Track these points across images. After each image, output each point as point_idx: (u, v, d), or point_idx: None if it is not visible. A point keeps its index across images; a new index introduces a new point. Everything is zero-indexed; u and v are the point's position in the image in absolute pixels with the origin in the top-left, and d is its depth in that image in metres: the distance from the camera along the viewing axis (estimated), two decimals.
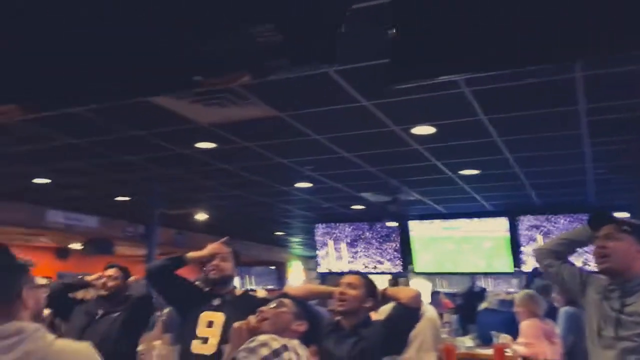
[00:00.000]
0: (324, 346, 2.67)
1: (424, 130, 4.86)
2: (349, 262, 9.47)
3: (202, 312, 3.05)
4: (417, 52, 1.59)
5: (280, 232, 12.45)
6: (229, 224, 10.90)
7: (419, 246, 8.98)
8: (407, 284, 5.11)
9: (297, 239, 13.67)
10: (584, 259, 6.50)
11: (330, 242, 9.60)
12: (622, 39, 1.38)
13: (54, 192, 7.80)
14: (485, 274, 11.82)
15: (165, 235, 11.25)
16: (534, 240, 8.19)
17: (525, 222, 8.32)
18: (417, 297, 2.72)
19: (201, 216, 9.88)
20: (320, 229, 9.69)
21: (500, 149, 5.38)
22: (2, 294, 1.50)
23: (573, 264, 2.79)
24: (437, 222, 8.95)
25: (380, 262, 9.25)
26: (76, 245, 11.33)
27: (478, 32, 1.51)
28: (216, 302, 3.11)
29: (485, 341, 6.48)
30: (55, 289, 3.80)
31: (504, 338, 5.50)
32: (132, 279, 3.73)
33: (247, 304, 2.88)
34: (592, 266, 2.86)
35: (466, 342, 6.46)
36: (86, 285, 3.79)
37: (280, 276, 15.39)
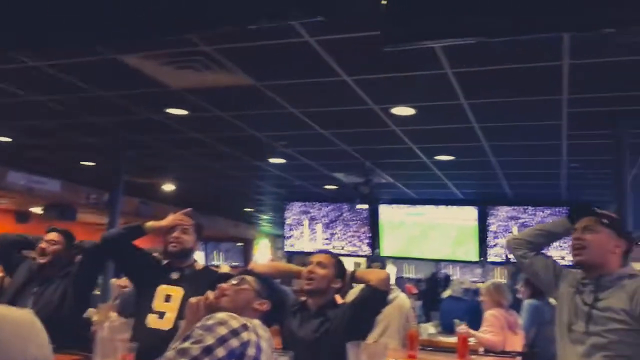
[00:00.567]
0: (287, 326, 2.56)
1: (403, 111, 4.75)
2: (315, 242, 9.39)
3: (159, 285, 2.92)
4: (412, 14, 1.46)
5: (250, 208, 12.29)
6: (197, 197, 10.70)
7: (386, 230, 8.94)
8: (382, 267, 4.96)
9: (266, 217, 13.54)
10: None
11: (305, 222, 9.49)
12: (609, 14, 1.28)
13: (15, 152, 7.49)
14: (452, 262, 11.89)
15: (130, 205, 10.98)
16: (508, 231, 8.21)
17: (498, 212, 8.33)
18: (387, 279, 2.64)
19: (168, 187, 9.65)
20: (295, 207, 9.56)
21: (478, 135, 5.32)
22: None
23: (548, 256, 2.73)
24: (404, 207, 8.91)
25: (349, 245, 9.19)
26: (37, 210, 10.99)
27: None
28: (175, 275, 2.98)
29: (448, 329, 6.47)
30: (3, 244, 3.61)
31: (461, 326, 5.48)
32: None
33: (208, 279, 2.75)
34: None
35: (429, 329, 6.44)
36: (32, 244, 3.58)
37: (246, 253, 15.25)
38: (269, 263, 7.40)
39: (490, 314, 4.66)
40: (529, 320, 4.81)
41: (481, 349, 4.54)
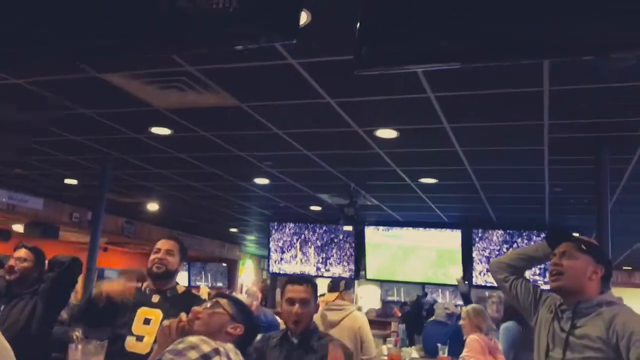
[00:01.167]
0: None
1: (386, 133, 4.77)
2: (301, 264, 9.34)
3: (139, 307, 2.88)
4: (385, 38, 1.47)
5: (235, 228, 12.22)
6: (181, 216, 10.64)
7: (370, 252, 8.92)
8: (351, 285, 4.85)
9: (251, 237, 13.46)
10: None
11: (297, 244, 9.44)
12: (591, 42, 1.29)
13: None
14: (435, 285, 11.86)
15: (114, 224, 10.90)
16: (490, 255, 8.22)
17: (482, 235, 8.35)
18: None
19: (152, 206, 9.58)
20: (280, 228, 9.51)
21: (461, 159, 5.34)
22: None
23: (528, 280, 2.73)
24: (380, 229, 8.90)
25: (333, 266, 9.14)
26: (19, 227, 10.85)
27: (449, 23, 1.41)
28: (155, 298, 2.95)
29: (431, 353, 6.43)
30: None
31: (442, 350, 5.46)
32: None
33: (188, 302, 2.71)
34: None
35: (412, 353, 6.40)
36: (1, 263, 3.52)
37: (230, 274, 15.11)
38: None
39: (471, 339, 4.64)
40: (506, 344, 4.80)
41: None
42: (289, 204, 8.55)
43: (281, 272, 9.56)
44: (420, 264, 8.69)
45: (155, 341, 2.63)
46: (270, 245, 9.62)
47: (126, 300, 2.97)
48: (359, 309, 6.83)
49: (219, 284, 14.67)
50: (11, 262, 3.39)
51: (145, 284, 3.07)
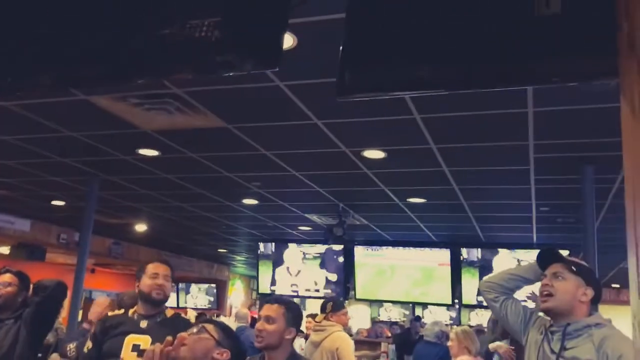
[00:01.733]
0: None
1: (374, 154, 4.80)
2: (291, 285, 9.27)
3: (127, 334, 2.85)
4: (368, 65, 1.49)
5: (224, 249, 12.16)
6: (169, 237, 10.58)
7: (359, 272, 8.88)
8: (340, 306, 4.79)
9: (240, 257, 13.39)
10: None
11: (286, 264, 9.38)
12: (574, 68, 1.31)
13: None
14: (427, 305, 11.84)
15: (101, 245, 10.81)
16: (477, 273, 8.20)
17: (470, 254, 8.34)
18: None
19: (140, 227, 9.52)
20: (267, 248, 9.46)
21: (448, 179, 5.38)
22: None
23: (518, 301, 2.72)
24: (361, 247, 8.86)
25: (324, 286, 9.09)
26: (5, 249, 10.73)
27: (432, 50, 1.43)
28: (143, 324, 2.92)
29: None
30: None
31: None
32: None
33: (177, 326, 2.69)
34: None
35: None
36: None
37: (220, 295, 14.99)
38: None
39: None
40: None
41: None
42: (278, 224, 8.53)
43: (271, 292, 9.49)
44: (403, 283, 8.63)
45: None
46: (260, 265, 9.57)
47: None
48: (348, 329, 6.78)
49: (208, 305, 14.55)
50: None
51: (133, 310, 3.03)
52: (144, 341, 2.79)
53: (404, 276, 8.55)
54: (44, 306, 3.33)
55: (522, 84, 1.96)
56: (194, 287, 14.90)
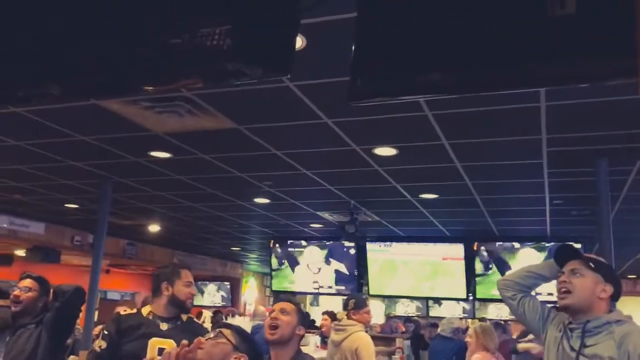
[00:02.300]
0: None
1: (385, 151, 4.78)
2: (306, 283, 9.29)
3: (150, 338, 2.88)
4: (379, 70, 1.48)
5: (237, 247, 12.20)
6: (183, 237, 10.62)
7: (373, 268, 8.87)
8: (362, 304, 4.72)
9: (254, 255, 13.43)
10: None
11: (299, 262, 9.40)
12: (585, 70, 1.29)
13: None
14: (440, 299, 11.81)
15: (115, 246, 10.88)
16: (490, 268, 8.17)
17: (483, 249, 8.30)
18: None
19: (154, 227, 9.57)
20: (282, 246, 9.47)
21: (461, 174, 5.35)
22: None
23: (536, 298, 2.71)
24: (391, 245, 8.83)
25: (339, 284, 9.09)
26: (21, 252, 10.83)
27: (442, 54, 1.41)
28: (163, 326, 2.95)
29: None
30: None
31: None
32: None
33: (194, 330, 2.80)
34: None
35: None
36: (7, 294, 3.54)
37: (234, 292, 15.04)
38: None
39: (476, 358, 4.59)
40: None
41: None
42: (290, 222, 8.54)
43: (284, 289, 9.50)
44: (426, 279, 8.60)
45: None
46: (272, 263, 9.59)
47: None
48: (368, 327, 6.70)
49: (223, 303, 14.60)
50: (16, 292, 3.41)
51: (147, 310, 3.03)
52: (169, 345, 2.79)
53: (413, 271, 8.53)
54: (63, 311, 3.36)
55: (536, 86, 1.93)
56: (208, 286, 14.97)
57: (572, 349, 2.36)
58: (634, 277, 13.78)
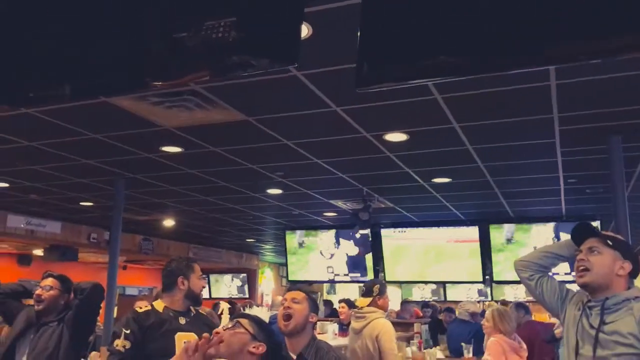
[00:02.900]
0: None
1: (396, 137, 4.76)
2: (321, 271, 9.33)
3: (175, 332, 2.92)
4: (386, 55, 1.47)
5: (251, 239, 12.26)
6: (197, 230, 10.69)
7: (388, 255, 8.88)
8: (385, 289, 4.65)
9: (268, 246, 13.49)
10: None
11: (305, 249, 9.45)
12: (593, 46, 1.27)
13: (13, 197, 7.51)
14: (456, 283, 11.80)
15: (131, 242, 10.99)
16: (507, 249, 8.15)
17: (498, 231, 8.27)
18: None
19: (168, 222, 9.64)
20: (296, 235, 9.51)
21: (473, 157, 5.32)
22: None
23: (554, 278, 2.70)
24: (404, 230, 8.84)
25: (353, 271, 9.12)
26: (39, 252, 10.98)
27: (448, 37, 1.40)
28: (182, 321, 2.99)
29: (456, 352, 6.41)
30: (3, 292, 3.62)
31: (467, 349, 5.51)
32: None
33: (207, 322, 2.96)
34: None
35: (437, 354, 6.37)
36: (30, 293, 3.60)
37: (250, 284, 15.13)
38: None
39: (492, 342, 4.60)
40: None
41: None
42: (303, 211, 8.56)
43: (300, 279, 9.56)
44: (442, 263, 8.60)
45: None
46: (287, 252, 9.63)
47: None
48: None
49: (239, 295, 14.70)
50: (38, 291, 3.47)
51: (162, 305, 3.03)
52: (192, 339, 2.83)
53: (443, 256, 8.54)
54: (82, 308, 3.41)
55: (546, 64, 1.91)
56: (225, 277, 15.07)
57: (592, 326, 2.35)
58: None
